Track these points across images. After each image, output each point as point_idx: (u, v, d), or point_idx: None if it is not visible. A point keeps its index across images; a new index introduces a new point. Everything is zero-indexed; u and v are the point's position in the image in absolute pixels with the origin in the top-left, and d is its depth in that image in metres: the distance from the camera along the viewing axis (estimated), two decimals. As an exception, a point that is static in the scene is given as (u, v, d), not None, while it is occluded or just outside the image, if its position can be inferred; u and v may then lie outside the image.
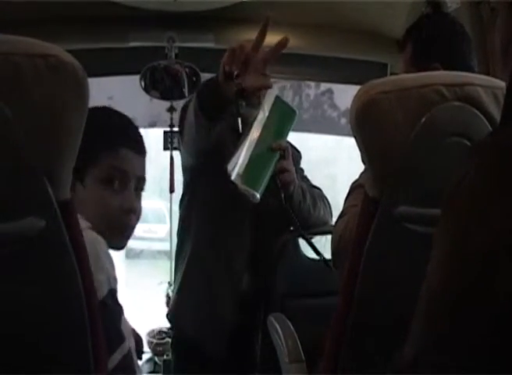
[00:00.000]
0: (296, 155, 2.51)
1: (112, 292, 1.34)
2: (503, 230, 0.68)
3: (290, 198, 2.18)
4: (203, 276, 2.29)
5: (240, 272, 2.25)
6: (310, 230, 2.41)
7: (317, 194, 2.37)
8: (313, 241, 2.56)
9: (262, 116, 1.92)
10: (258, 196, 1.82)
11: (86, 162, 1.44)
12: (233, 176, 1.82)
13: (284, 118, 2.00)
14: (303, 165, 2.61)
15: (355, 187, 1.62)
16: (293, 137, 2.60)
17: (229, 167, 1.83)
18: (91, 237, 1.29)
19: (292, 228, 2.31)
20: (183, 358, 2.51)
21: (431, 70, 1.63)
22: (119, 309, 1.38)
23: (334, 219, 1.94)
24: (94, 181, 1.49)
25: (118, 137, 1.53)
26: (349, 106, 1.28)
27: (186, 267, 2.35)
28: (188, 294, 2.36)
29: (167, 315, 2.50)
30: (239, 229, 2.27)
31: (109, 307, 1.32)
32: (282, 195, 2.06)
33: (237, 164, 1.83)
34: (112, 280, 1.34)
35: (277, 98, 1.97)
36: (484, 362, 0.67)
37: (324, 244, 2.74)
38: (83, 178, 1.48)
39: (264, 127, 1.91)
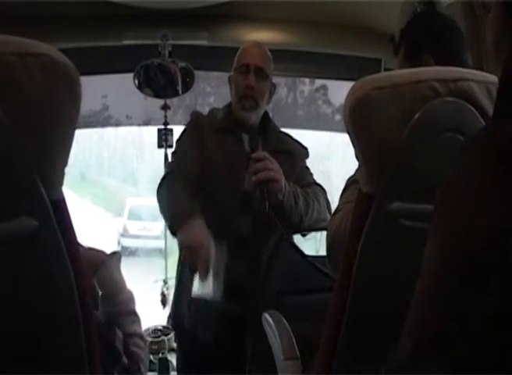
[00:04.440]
0: (302, 152, 2.53)
1: None
2: (498, 226, 0.68)
3: (280, 206, 2.21)
4: None
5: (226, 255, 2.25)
6: (303, 231, 2.43)
7: (312, 194, 2.37)
8: (308, 237, 2.57)
9: None
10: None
11: None
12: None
13: None
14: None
15: (351, 182, 1.61)
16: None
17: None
18: None
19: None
20: (185, 355, 2.54)
21: (423, 62, 1.64)
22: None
23: (332, 216, 1.95)
24: None
25: None
26: (343, 102, 1.28)
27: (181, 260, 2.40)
28: (183, 287, 2.38)
29: (169, 316, 2.59)
30: (229, 216, 2.29)
31: None
32: (267, 204, 2.12)
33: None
34: None
35: None
36: (480, 362, 0.67)
37: (319, 240, 2.74)
38: None
39: None
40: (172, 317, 2.57)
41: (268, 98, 2.42)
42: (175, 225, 2.14)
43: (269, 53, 2.42)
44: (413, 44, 1.73)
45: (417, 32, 1.76)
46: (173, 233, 2.15)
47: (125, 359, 1.57)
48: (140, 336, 1.71)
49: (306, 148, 2.56)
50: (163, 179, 2.34)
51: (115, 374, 1.53)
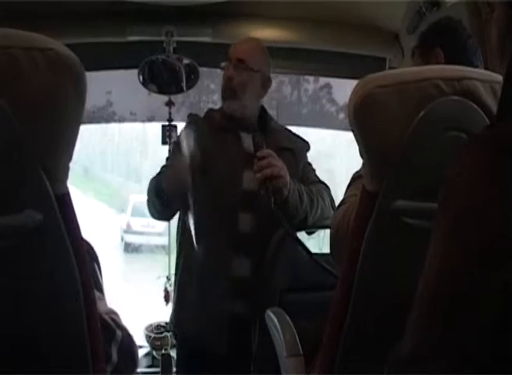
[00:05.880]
0: (303, 146, 2.54)
1: None
2: (502, 224, 0.68)
3: (285, 203, 2.22)
4: (196, 267, 2.31)
5: (228, 254, 2.29)
6: (308, 228, 2.43)
7: (317, 192, 2.37)
8: (312, 235, 2.57)
9: None
10: None
11: None
12: None
13: None
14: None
15: (357, 177, 1.62)
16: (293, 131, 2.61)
17: None
18: None
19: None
20: (185, 355, 2.53)
21: (432, 57, 1.66)
22: None
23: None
24: None
25: None
26: (347, 101, 1.28)
27: (183, 261, 2.39)
28: (184, 290, 2.38)
29: (170, 321, 2.58)
30: (231, 216, 2.29)
31: None
32: (272, 200, 2.11)
33: None
34: None
35: None
36: (481, 366, 0.68)
37: (323, 239, 2.75)
38: None
39: None
40: (175, 324, 2.55)
41: (254, 91, 2.41)
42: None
43: (261, 47, 2.43)
44: (426, 39, 1.76)
45: (431, 28, 1.81)
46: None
47: (119, 332, 1.56)
48: (113, 312, 1.71)
49: (307, 142, 2.56)
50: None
51: (113, 349, 1.52)
